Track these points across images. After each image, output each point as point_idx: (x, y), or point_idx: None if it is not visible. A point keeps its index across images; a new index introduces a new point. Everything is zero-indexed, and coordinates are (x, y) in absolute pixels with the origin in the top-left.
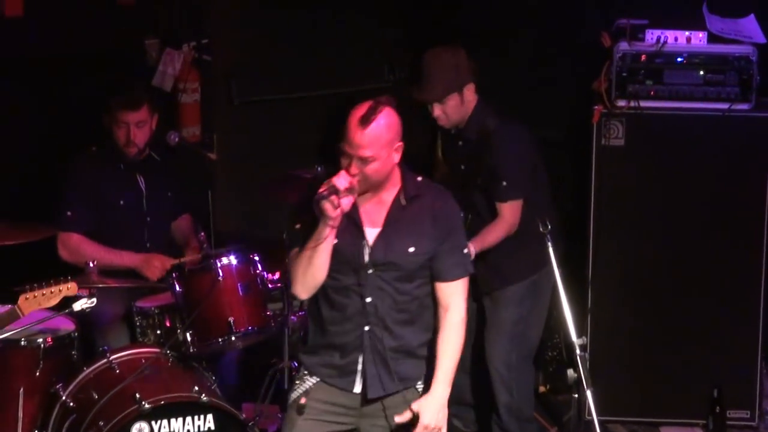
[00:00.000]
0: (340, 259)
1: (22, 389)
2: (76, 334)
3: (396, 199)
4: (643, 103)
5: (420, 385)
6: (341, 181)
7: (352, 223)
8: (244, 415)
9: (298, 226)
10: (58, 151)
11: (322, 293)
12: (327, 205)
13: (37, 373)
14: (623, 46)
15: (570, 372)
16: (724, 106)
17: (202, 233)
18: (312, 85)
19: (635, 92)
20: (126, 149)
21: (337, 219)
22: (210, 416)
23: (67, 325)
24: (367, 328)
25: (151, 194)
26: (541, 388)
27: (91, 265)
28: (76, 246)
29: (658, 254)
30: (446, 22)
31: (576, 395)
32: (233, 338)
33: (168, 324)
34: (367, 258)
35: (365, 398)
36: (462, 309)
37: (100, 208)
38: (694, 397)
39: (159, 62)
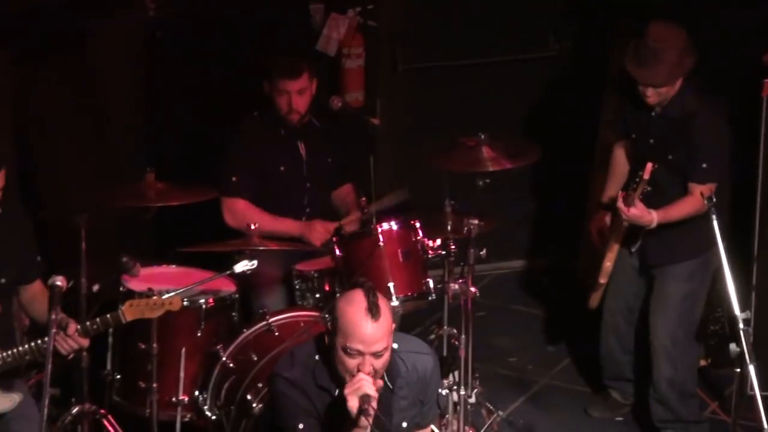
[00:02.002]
0: None
1: (183, 349)
2: (236, 295)
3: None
4: None
5: None
6: (370, 387)
7: None
8: None
9: (301, 426)
10: (223, 114)
11: None
12: (368, 419)
13: (199, 334)
14: None
15: (732, 346)
16: None
17: (363, 198)
18: (476, 53)
19: None
20: (287, 117)
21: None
22: None
23: (228, 287)
24: None
25: (312, 161)
26: (702, 362)
27: (253, 227)
28: (242, 212)
29: None
30: None
31: (738, 370)
32: (393, 303)
33: (327, 288)
34: None
35: None
36: None
37: (261, 174)
38: None
39: (324, 27)
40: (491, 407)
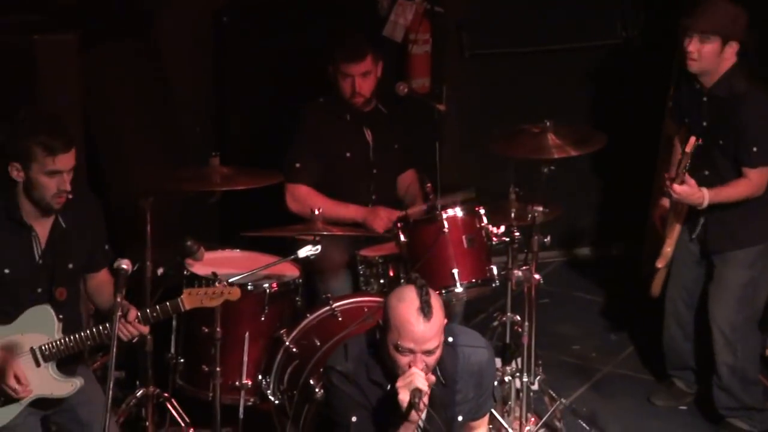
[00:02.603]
0: None
1: (247, 333)
2: (300, 280)
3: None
4: None
5: None
6: (422, 381)
7: None
8: None
9: (354, 419)
10: (288, 99)
11: None
12: (419, 414)
13: (262, 318)
14: None
15: None
16: None
17: (429, 184)
18: (542, 39)
19: None
20: (352, 100)
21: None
22: None
23: (292, 272)
24: None
25: (378, 146)
26: (767, 352)
27: (317, 212)
28: (305, 198)
29: None
30: None
31: None
32: (457, 290)
33: (392, 273)
34: None
35: None
36: None
37: (327, 160)
38: None
39: (390, 13)
40: (554, 395)
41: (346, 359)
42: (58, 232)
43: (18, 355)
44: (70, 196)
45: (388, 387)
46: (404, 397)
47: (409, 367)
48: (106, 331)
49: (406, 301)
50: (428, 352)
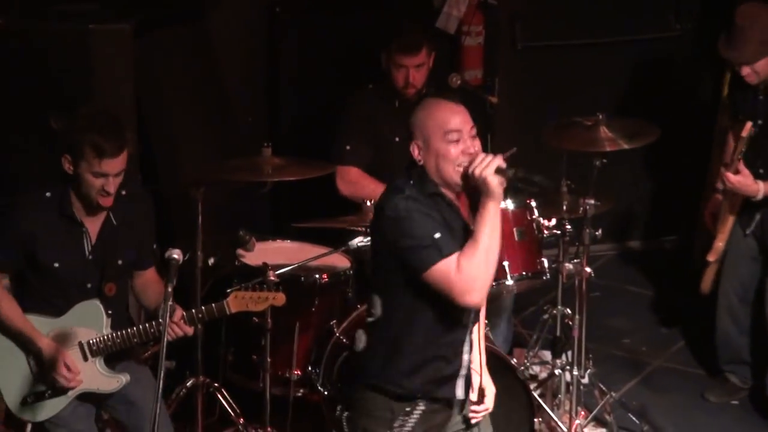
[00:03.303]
0: None
1: (297, 324)
2: (351, 271)
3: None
4: None
5: None
6: (498, 160)
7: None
8: (514, 360)
9: (438, 235)
10: (340, 90)
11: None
12: (501, 180)
13: (313, 309)
14: None
15: None
16: None
17: None
18: (596, 32)
19: None
20: (404, 91)
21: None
22: None
23: (343, 263)
24: (470, 323)
25: None
26: None
27: (368, 203)
28: (355, 180)
29: None
30: None
31: None
32: (507, 282)
33: None
34: None
35: (461, 402)
36: None
37: (375, 145)
38: None
39: (444, 4)
40: (604, 388)
41: (402, 190)
42: (108, 228)
43: (66, 348)
44: (123, 192)
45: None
46: (493, 180)
47: (463, 154)
48: (152, 330)
49: (431, 101)
50: (473, 137)
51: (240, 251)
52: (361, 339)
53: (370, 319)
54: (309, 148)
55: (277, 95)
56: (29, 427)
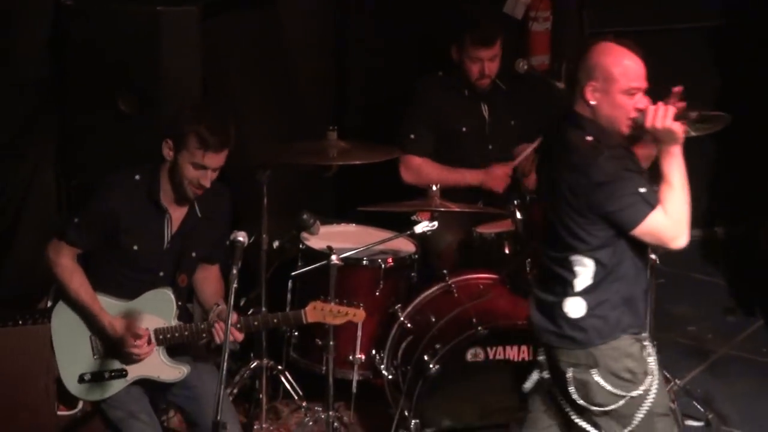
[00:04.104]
0: None
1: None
2: (416, 256)
3: None
4: None
5: None
6: (669, 109)
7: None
8: None
9: (642, 189)
10: (408, 76)
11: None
12: (681, 124)
13: (377, 293)
14: None
15: None
16: None
17: None
18: (663, 18)
19: None
20: (477, 82)
21: None
22: None
23: (408, 247)
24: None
25: (494, 122)
26: None
27: (434, 188)
28: (418, 168)
29: None
30: None
31: None
32: None
33: (507, 250)
34: None
35: None
36: None
37: (442, 134)
38: None
39: None
40: (668, 375)
41: (594, 148)
42: (192, 220)
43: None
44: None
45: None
46: (674, 125)
47: (636, 109)
48: (202, 326)
49: (619, 50)
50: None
51: (304, 234)
52: (577, 306)
53: (577, 283)
54: (375, 131)
55: (344, 78)
56: (80, 404)
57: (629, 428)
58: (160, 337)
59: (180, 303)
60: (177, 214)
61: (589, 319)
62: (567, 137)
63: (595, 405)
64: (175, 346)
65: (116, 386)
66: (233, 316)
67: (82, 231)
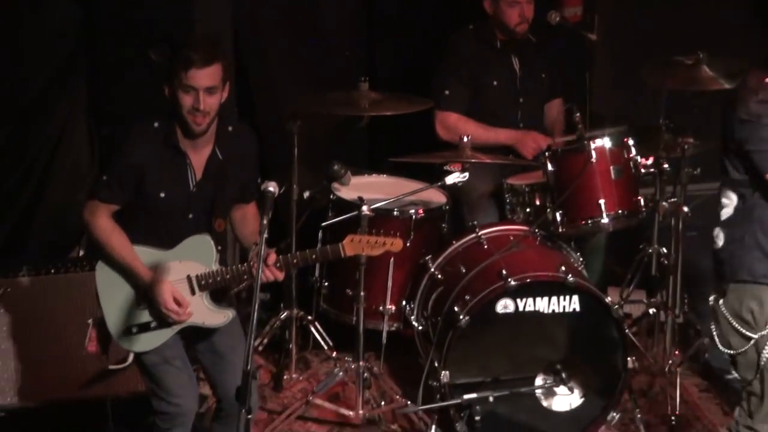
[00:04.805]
0: None
1: (392, 259)
2: (447, 207)
3: None
4: None
5: None
6: None
7: None
8: (608, 299)
9: None
10: (439, 27)
11: None
12: None
13: (408, 244)
14: None
15: None
16: None
17: (578, 114)
18: None
19: None
20: (518, 28)
21: None
22: (575, 297)
23: (439, 198)
24: None
25: (525, 75)
26: None
27: (465, 139)
28: (454, 124)
29: None
30: None
31: None
32: (602, 221)
33: (538, 202)
34: None
35: None
36: None
37: (475, 89)
38: None
39: None
40: (699, 328)
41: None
42: (214, 163)
43: (175, 281)
44: (229, 129)
45: None
46: None
47: None
48: (243, 269)
49: None
50: None
51: (335, 185)
52: (718, 236)
53: (722, 214)
54: (406, 82)
55: (375, 28)
56: (131, 357)
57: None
58: (202, 282)
59: (219, 247)
60: (198, 159)
61: (724, 252)
62: (750, 73)
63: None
64: (217, 290)
65: (162, 336)
66: (271, 256)
67: (114, 186)
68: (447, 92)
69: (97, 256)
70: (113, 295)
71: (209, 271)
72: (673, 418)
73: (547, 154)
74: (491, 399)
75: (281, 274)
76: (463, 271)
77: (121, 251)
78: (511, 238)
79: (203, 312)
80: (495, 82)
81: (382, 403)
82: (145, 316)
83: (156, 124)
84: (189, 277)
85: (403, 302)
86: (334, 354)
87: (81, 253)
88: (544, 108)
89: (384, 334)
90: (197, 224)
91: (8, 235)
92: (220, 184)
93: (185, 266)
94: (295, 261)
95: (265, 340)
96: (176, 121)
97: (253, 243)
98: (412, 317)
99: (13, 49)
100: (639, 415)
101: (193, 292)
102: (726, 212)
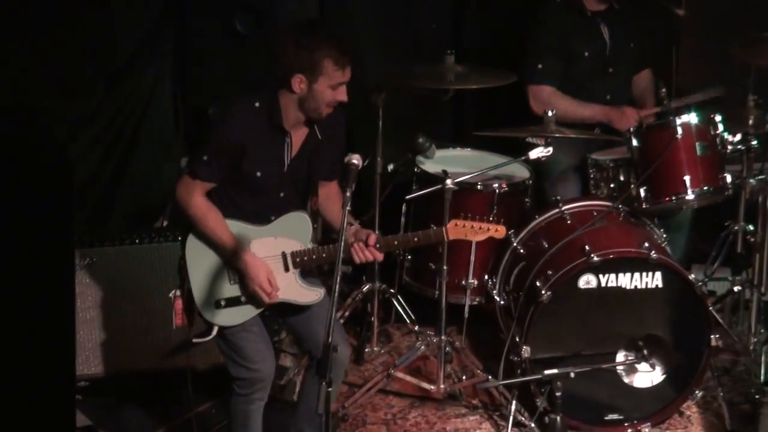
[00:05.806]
0: None
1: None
2: (530, 181)
3: None
4: None
5: None
6: None
7: None
8: (692, 276)
9: None
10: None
11: None
12: None
13: (491, 218)
14: None
15: None
16: None
17: (663, 89)
18: None
19: None
20: None
21: None
22: (658, 274)
23: (522, 173)
24: None
25: (615, 45)
26: None
27: (550, 114)
28: (549, 99)
29: None
30: None
31: None
32: (687, 197)
33: (622, 178)
34: None
35: None
36: None
37: (566, 59)
38: None
39: None
40: None
41: None
42: (313, 142)
43: (269, 257)
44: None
45: None
46: None
47: None
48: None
49: None
50: None
51: (419, 158)
52: None
53: None
54: (492, 56)
55: (461, 2)
56: (214, 330)
57: None
58: (297, 260)
59: (315, 225)
60: (297, 138)
61: None
62: None
63: None
64: (311, 268)
65: (249, 313)
66: (372, 237)
67: (213, 165)
68: (540, 66)
69: (180, 227)
70: (203, 268)
71: (305, 249)
72: (757, 396)
73: (631, 129)
74: (572, 375)
75: (380, 255)
76: (546, 245)
77: (217, 230)
78: (595, 213)
79: (296, 289)
80: (586, 53)
81: (463, 377)
82: (234, 291)
83: (257, 104)
84: (284, 254)
85: (486, 276)
86: (416, 328)
87: (165, 223)
88: (633, 79)
89: (466, 308)
90: (287, 202)
91: (95, 204)
92: (313, 162)
93: (280, 242)
94: (396, 242)
95: (347, 313)
96: (288, 105)
97: (348, 223)
98: (494, 291)
99: (104, 11)
100: (722, 393)
101: (286, 269)
102: None
